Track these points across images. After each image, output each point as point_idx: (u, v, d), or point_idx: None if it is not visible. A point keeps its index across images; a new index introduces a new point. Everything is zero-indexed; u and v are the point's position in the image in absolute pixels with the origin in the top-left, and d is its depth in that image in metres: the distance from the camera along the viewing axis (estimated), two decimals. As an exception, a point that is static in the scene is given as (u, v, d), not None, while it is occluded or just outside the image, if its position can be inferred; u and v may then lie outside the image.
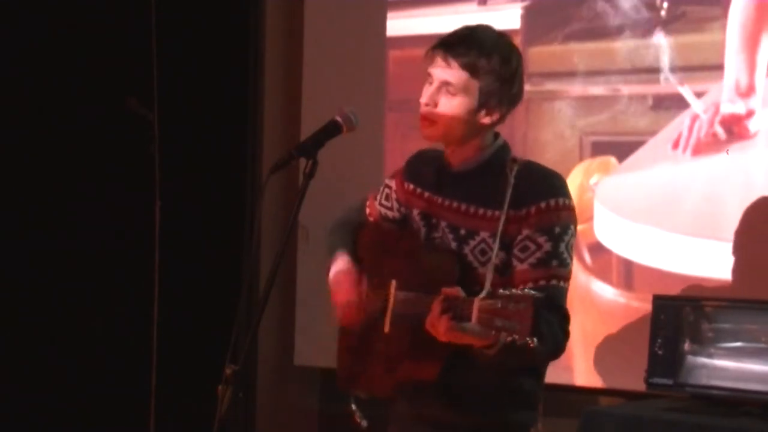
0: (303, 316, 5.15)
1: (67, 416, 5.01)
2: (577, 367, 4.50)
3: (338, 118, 2.92)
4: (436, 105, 2.91)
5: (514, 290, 2.56)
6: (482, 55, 2.87)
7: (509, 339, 2.54)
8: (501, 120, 2.95)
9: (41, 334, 4.98)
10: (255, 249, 5.17)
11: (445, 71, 2.89)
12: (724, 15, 4.27)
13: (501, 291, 2.57)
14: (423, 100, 2.92)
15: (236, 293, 4.88)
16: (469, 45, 2.88)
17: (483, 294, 2.60)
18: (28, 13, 4.98)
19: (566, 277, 2.86)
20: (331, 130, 2.91)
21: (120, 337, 5.04)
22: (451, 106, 2.89)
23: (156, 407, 4.93)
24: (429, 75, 2.93)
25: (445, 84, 2.89)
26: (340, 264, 3.06)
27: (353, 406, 3.10)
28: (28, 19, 4.99)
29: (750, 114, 4.21)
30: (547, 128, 4.63)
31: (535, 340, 2.53)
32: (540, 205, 2.86)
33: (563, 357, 2.91)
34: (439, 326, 2.65)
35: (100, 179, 5.06)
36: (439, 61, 2.90)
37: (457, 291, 2.67)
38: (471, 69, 2.87)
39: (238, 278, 5.12)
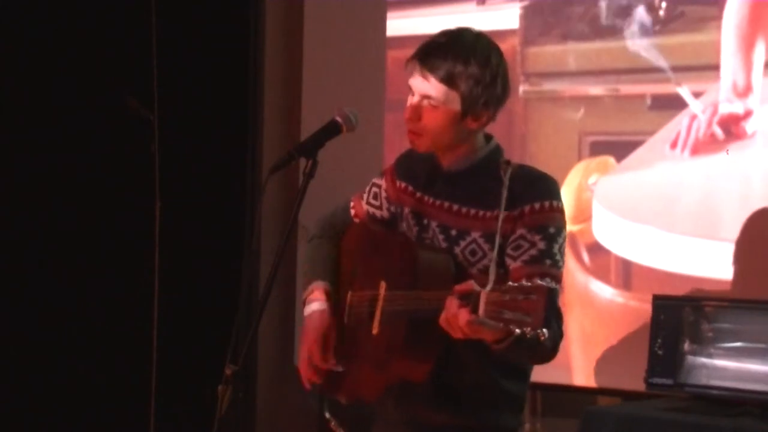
0: (303, 316, 5.14)
1: (67, 416, 5.02)
2: (576, 367, 4.50)
3: (338, 118, 2.92)
4: (420, 118, 2.88)
5: (524, 282, 2.54)
6: (458, 63, 2.83)
7: (518, 331, 2.52)
8: (490, 120, 2.93)
9: (41, 334, 4.98)
10: (255, 249, 5.17)
11: (423, 84, 2.86)
12: (723, 15, 4.28)
13: (509, 284, 2.54)
14: (406, 114, 2.90)
15: (236, 293, 4.88)
16: (444, 55, 2.84)
17: (489, 286, 2.58)
18: (28, 13, 4.99)
19: (558, 278, 2.83)
20: (331, 130, 2.91)
21: (120, 337, 5.05)
22: (434, 118, 2.87)
23: (156, 407, 4.93)
24: (410, 87, 2.91)
25: (426, 97, 2.86)
26: (316, 305, 3.06)
27: (327, 414, 3.09)
28: (29, 19, 4.99)
29: (748, 114, 4.21)
30: (546, 128, 4.63)
31: (545, 332, 2.50)
32: (534, 206, 2.85)
33: (562, 357, 2.91)
34: (458, 320, 2.60)
35: (100, 179, 5.06)
36: (416, 74, 2.88)
37: (471, 285, 2.63)
38: (448, 81, 2.84)
39: (238, 278, 5.12)
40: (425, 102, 2.87)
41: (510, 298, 2.51)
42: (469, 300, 2.59)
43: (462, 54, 2.85)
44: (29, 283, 5.00)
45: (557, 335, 2.78)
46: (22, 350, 4.95)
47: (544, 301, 2.49)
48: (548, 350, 2.77)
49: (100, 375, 5.04)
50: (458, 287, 2.65)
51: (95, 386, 5.04)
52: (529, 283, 2.52)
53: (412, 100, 2.90)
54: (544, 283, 2.52)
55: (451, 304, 2.63)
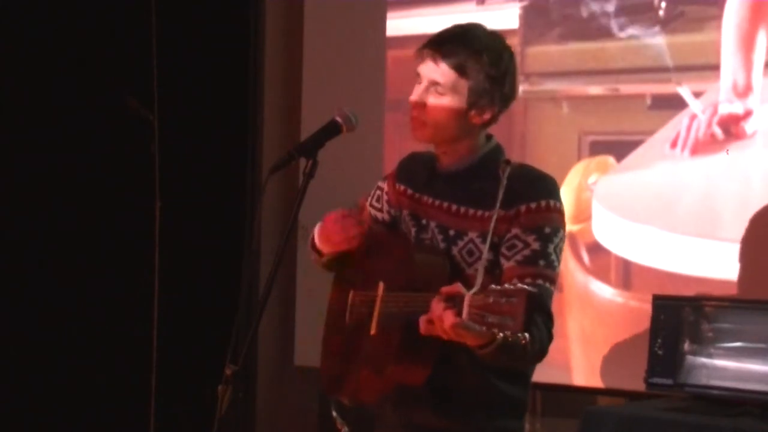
0: (303, 316, 5.16)
1: (67, 416, 5.02)
2: (575, 366, 4.50)
3: (338, 118, 2.92)
4: (425, 105, 2.88)
5: (506, 285, 2.53)
6: (471, 54, 2.84)
7: (501, 335, 2.52)
8: (493, 120, 2.92)
9: (41, 334, 4.98)
10: (255, 249, 5.17)
11: (434, 71, 2.87)
12: (723, 15, 4.27)
13: (492, 287, 2.53)
14: (412, 99, 2.89)
15: (236, 293, 4.88)
16: (458, 44, 2.86)
17: (474, 290, 2.58)
18: (28, 13, 4.99)
19: (552, 280, 2.82)
20: (331, 130, 2.91)
21: (120, 337, 5.05)
22: (440, 106, 2.87)
23: (156, 407, 4.94)
24: (418, 74, 2.90)
25: (434, 83, 2.87)
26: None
27: (333, 413, 3.09)
28: (29, 19, 4.99)
29: (748, 114, 4.21)
30: (546, 128, 4.63)
31: (527, 336, 2.50)
32: (530, 205, 2.84)
33: (561, 357, 2.92)
34: (444, 322, 2.59)
35: (101, 179, 5.06)
36: (428, 60, 2.88)
37: (458, 288, 2.62)
38: (459, 69, 2.84)
39: (238, 278, 5.12)
40: (432, 89, 2.88)
41: (493, 301, 2.50)
42: (455, 302, 2.60)
43: (475, 46, 2.86)
44: (29, 283, 5.00)
45: (544, 338, 2.75)
46: (22, 350, 4.96)
47: (524, 304, 2.47)
48: (535, 353, 2.75)
49: (100, 375, 5.04)
50: (445, 289, 2.64)
51: (95, 386, 5.04)
52: (512, 286, 2.51)
53: (420, 87, 2.90)
54: (525, 286, 2.51)
55: (437, 306, 2.62)
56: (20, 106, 4.98)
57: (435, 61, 2.87)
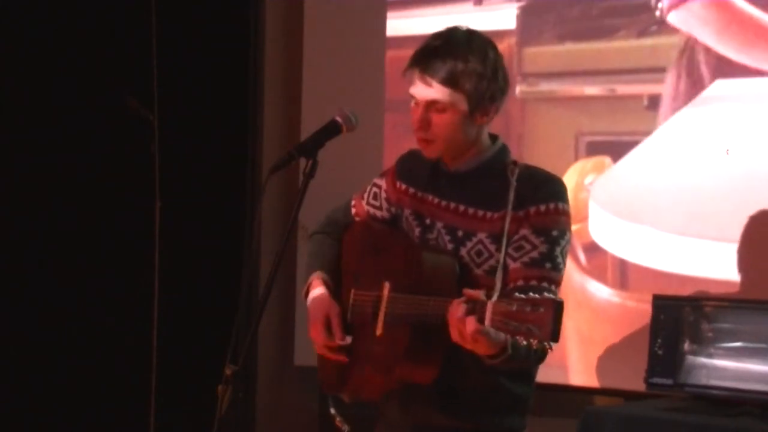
0: (303, 316, 5.12)
1: (67, 416, 5.02)
2: (572, 366, 4.51)
3: (338, 118, 2.92)
4: (429, 124, 2.88)
5: (532, 294, 2.54)
6: (458, 62, 2.83)
7: (524, 342, 2.53)
8: (496, 113, 2.93)
9: (41, 334, 4.98)
10: (255, 249, 5.17)
11: (427, 90, 2.86)
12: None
13: (517, 295, 2.55)
14: (414, 125, 2.89)
15: (236, 293, 4.88)
16: (443, 57, 2.84)
17: (495, 296, 2.59)
18: (28, 13, 4.99)
19: (557, 282, 2.84)
20: (331, 130, 2.91)
21: (120, 337, 5.05)
22: (444, 122, 2.86)
23: (156, 407, 4.94)
24: (412, 96, 2.90)
25: (432, 102, 2.86)
26: (316, 291, 3.07)
27: (332, 410, 3.10)
28: (29, 19, 4.99)
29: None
30: (543, 128, 4.63)
31: (552, 345, 2.52)
32: (540, 208, 2.85)
33: (559, 357, 2.92)
34: (465, 327, 2.61)
35: (101, 179, 5.07)
36: (418, 82, 2.87)
37: (479, 293, 2.64)
38: (452, 82, 2.84)
39: (238, 278, 5.12)
40: (432, 107, 2.87)
41: (517, 309, 2.51)
42: (476, 308, 2.60)
43: (460, 52, 2.85)
44: (29, 283, 5.00)
45: None
46: (22, 350, 4.96)
47: (552, 314, 2.49)
48: (540, 360, 2.79)
49: (100, 375, 5.04)
50: (468, 291, 2.64)
51: (95, 386, 5.04)
52: (539, 296, 2.52)
53: (418, 109, 2.89)
54: (552, 296, 2.53)
55: (458, 309, 2.63)
56: (20, 106, 4.98)
57: (425, 81, 2.86)
